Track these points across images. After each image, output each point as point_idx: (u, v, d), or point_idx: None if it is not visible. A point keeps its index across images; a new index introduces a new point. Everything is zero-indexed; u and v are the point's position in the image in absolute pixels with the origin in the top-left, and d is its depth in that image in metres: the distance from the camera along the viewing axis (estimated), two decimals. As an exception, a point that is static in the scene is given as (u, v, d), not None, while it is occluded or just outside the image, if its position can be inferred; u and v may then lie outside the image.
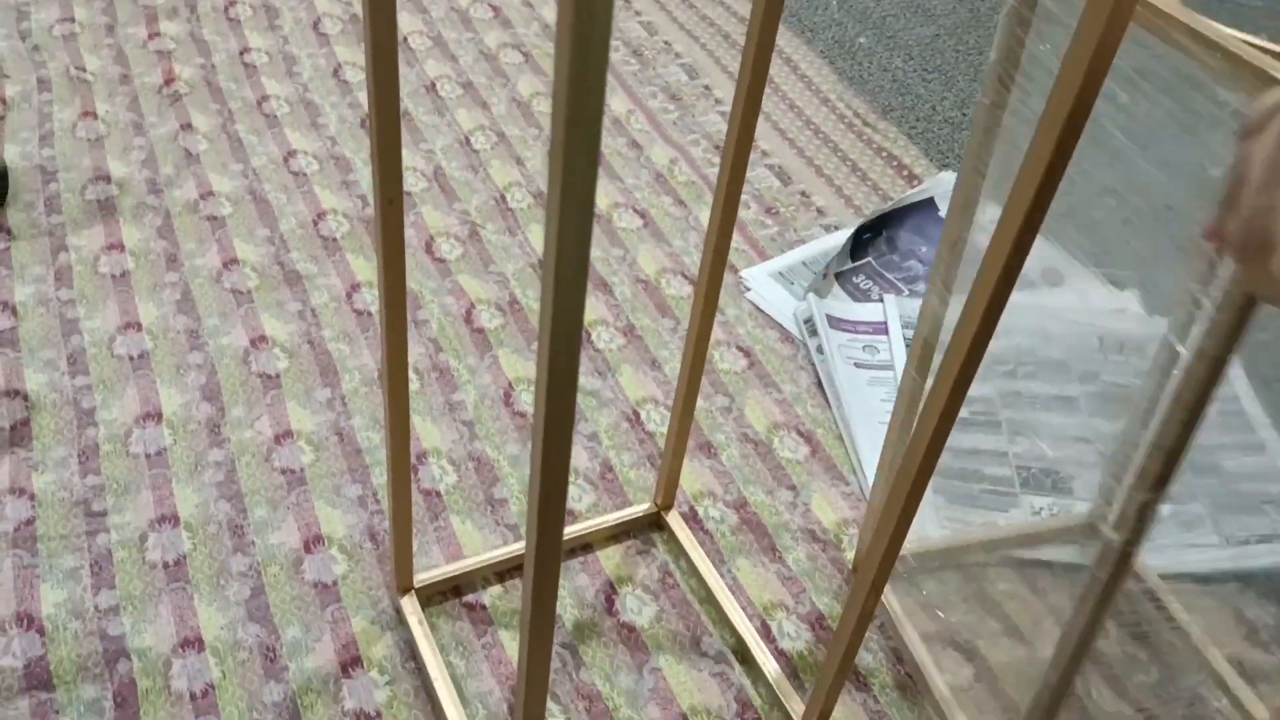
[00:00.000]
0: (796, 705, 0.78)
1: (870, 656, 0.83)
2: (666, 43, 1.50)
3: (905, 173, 1.31)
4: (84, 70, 1.31)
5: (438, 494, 0.91)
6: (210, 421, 0.94)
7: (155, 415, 0.94)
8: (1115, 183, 0.70)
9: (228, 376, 0.98)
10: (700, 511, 0.93)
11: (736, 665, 0.82)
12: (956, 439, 0.79)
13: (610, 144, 1.31)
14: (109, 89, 1.29)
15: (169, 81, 1.32)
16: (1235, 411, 1.04)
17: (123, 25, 1.40)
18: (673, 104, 1.38)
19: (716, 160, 1.31)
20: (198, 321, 1.03)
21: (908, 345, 1.06)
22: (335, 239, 1.14)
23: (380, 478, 0.92)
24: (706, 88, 1.42)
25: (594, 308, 1.09)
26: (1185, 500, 0.98)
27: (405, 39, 1.44)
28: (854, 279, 1.16)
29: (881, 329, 1.11)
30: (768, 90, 1.39)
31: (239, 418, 0.95)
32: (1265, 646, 0.83)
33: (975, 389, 0.81)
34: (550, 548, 0.46)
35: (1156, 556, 0.94)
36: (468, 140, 1.28)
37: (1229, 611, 0.86)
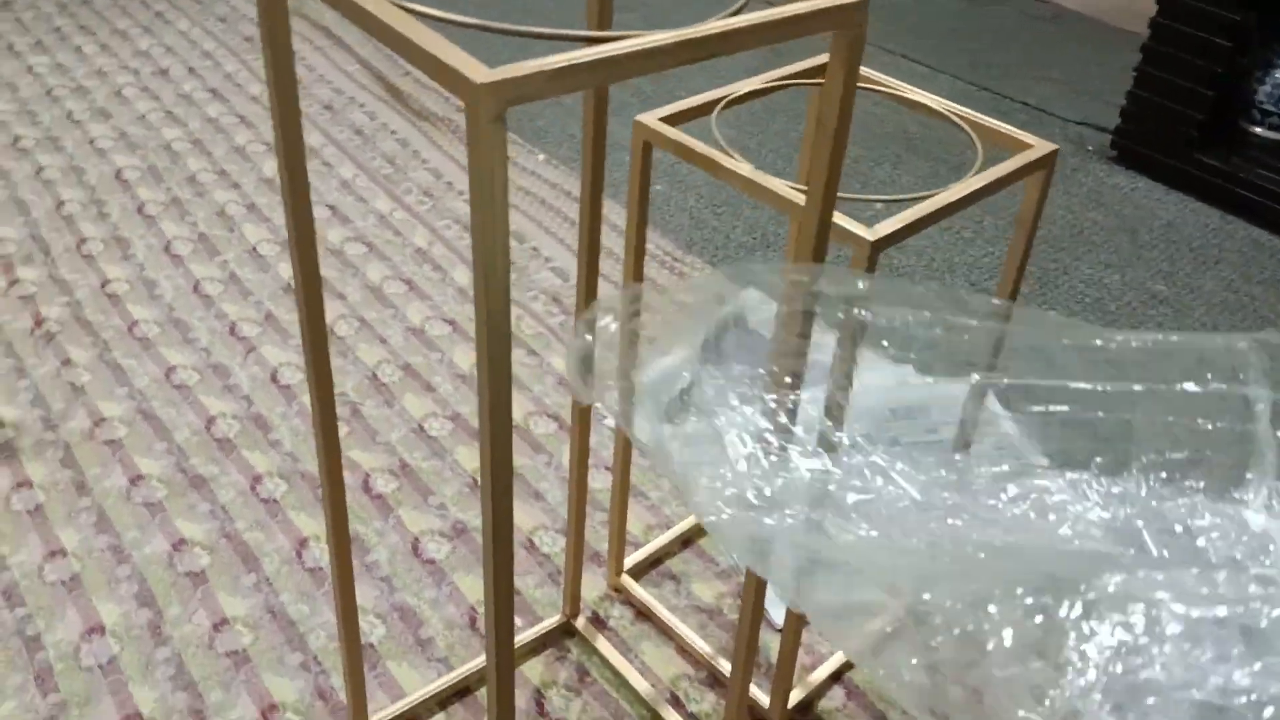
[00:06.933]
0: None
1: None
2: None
3: (714, 295, 1.53)
4: (-48, 326, 1.40)
5: (371, 646, 1.03)
6: (151, 624, 1.04)
7: (99, 629, 1.03)
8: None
9: (157, 581, 1.08)
10: (601, 614, 1.08)
11: (658, 734, 0.97)
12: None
13: (461, 311, 1.48)
14: (-18, 339, 1.38)
15: (39, 323, 1.41)
16: (1009, 446, 1.28)
17: (-19, 278, 1.49)
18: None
19: (556, 311, 1.49)
20: (118, 538, 1.13)
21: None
22: (229, 439, 1.25)
23: (316, 643, 1.03)
24: (535, 249, 1.62)
25: (472, 457, 1.24)
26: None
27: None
28: (690, 395, 1.36)
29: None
30: (586, 243, 1.60)
31: (176, 616, 1.05)
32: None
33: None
34: (505, 662, 0.61)
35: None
36: (331, 330, 1.43)
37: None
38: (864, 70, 0.87)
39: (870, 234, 0.70)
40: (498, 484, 0.56)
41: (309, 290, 0.71)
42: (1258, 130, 1.89)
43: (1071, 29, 2.56)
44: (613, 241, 1.63)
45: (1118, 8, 2.57)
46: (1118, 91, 1.96)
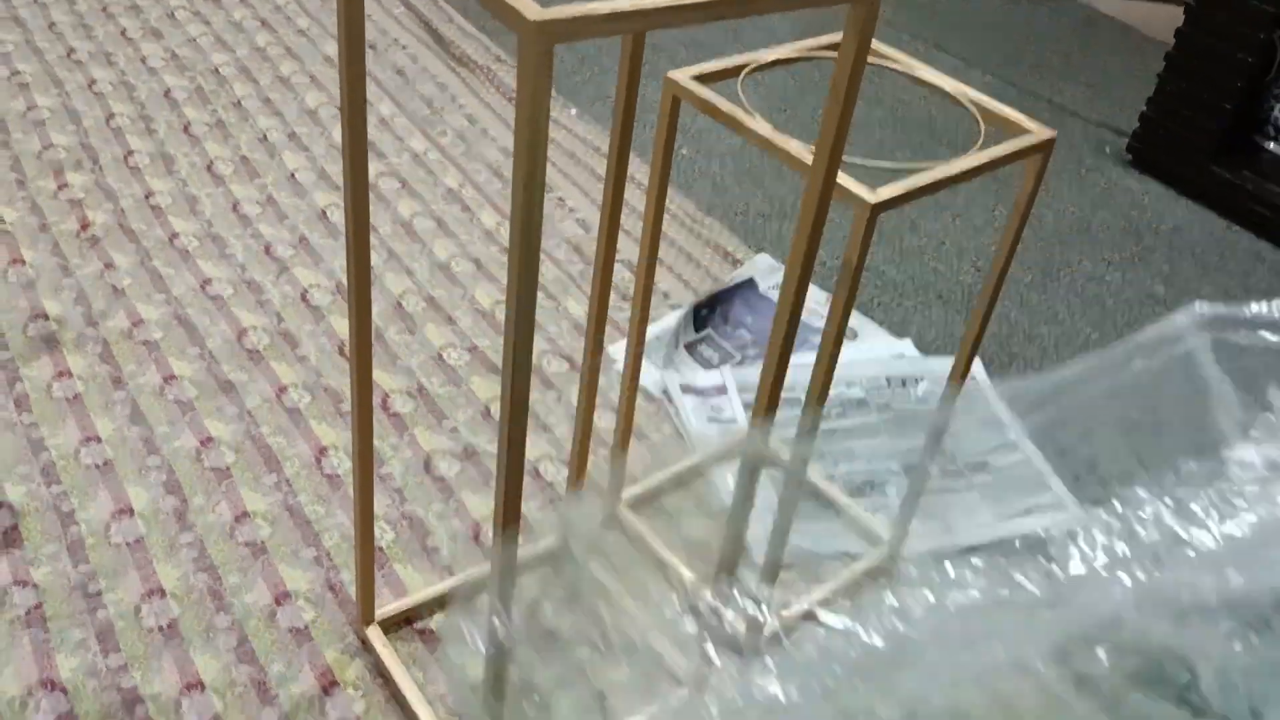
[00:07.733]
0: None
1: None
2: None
3: (729, 258, 1.59)
4: (3, 222, 1.47)
5: (380, 549, 1.11)
6: (176, 511, 1.11)
7: (128, 510, 1.11)
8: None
9: (185, 473, 1.16)
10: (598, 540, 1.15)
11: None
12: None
13: (486, 253, 1.54)
14: (31, 237, 1.45)
15: (84, 227, 1.48)
16: (994, 422, 1.34)
17: (32, 179, 1.56)
18: (532, 215, 1.64)
19: (576, 259, 1.56)
20: (150, 431, 1.20)
21: (744, 405, 1.33)
22: (259, 350, 1.33)
23: (329, 541, 1.11)
24: (561, 199, 1.68)
25: (489, 388, 1.31)
26: (965, 491, 1.27)
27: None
28: (699, 349, 1.42)
29: (723, 390, 1.38)
30: (610, 198, 1.66)
31: (200, 505, 1.12)
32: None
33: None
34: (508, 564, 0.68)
35: (948, 536, 1.21)
36: (361, 258, 1.49)
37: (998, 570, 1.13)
38: (884, 48, 0.93)
39: (872, 196, 0.76)
40: (518, 375, 0.63)
41: (358, 220, 0.78)
42: (1271, 146, 1.93)
43: (1104, 34, 2.60)
44: (636, 199, 1.69)
45: (1151, 16, 2.60)
46: (1140, 98, 2.01)
